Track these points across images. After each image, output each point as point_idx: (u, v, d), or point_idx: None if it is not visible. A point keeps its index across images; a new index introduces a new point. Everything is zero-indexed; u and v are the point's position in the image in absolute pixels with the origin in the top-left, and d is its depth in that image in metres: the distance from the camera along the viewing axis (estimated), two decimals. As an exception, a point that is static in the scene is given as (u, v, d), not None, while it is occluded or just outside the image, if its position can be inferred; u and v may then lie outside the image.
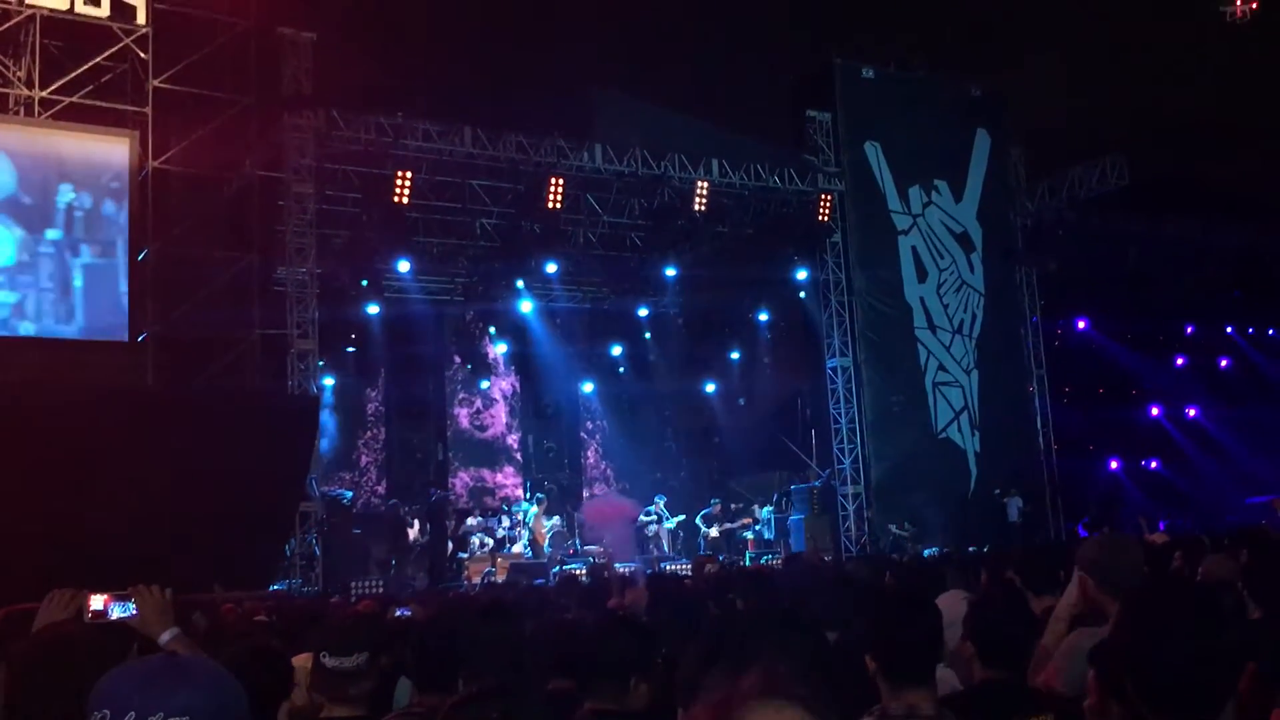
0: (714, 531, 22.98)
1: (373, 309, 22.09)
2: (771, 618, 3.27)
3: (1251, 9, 18.67)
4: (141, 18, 16.98)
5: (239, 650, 4.48)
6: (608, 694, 3.89)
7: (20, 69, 16.73)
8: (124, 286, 16.68)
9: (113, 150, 16.87)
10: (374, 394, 24.98)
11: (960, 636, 3.84)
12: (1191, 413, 29.99)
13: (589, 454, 28.20)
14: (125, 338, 16.63)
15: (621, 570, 14.46)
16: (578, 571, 17.76)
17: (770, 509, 23.94)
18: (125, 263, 16.70)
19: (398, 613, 9.10)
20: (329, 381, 22.43)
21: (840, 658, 4.03)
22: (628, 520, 21.15)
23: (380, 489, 24.52)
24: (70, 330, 16.50)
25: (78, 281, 16.51)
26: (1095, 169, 23.99)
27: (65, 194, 16.47)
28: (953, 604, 4.07)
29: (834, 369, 23.13)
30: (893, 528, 21.73)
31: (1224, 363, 30.50)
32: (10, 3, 16.22)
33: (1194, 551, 7.56)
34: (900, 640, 3.24)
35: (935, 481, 22.44)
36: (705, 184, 21.07)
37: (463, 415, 26.29)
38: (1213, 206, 25.75)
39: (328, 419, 22.09)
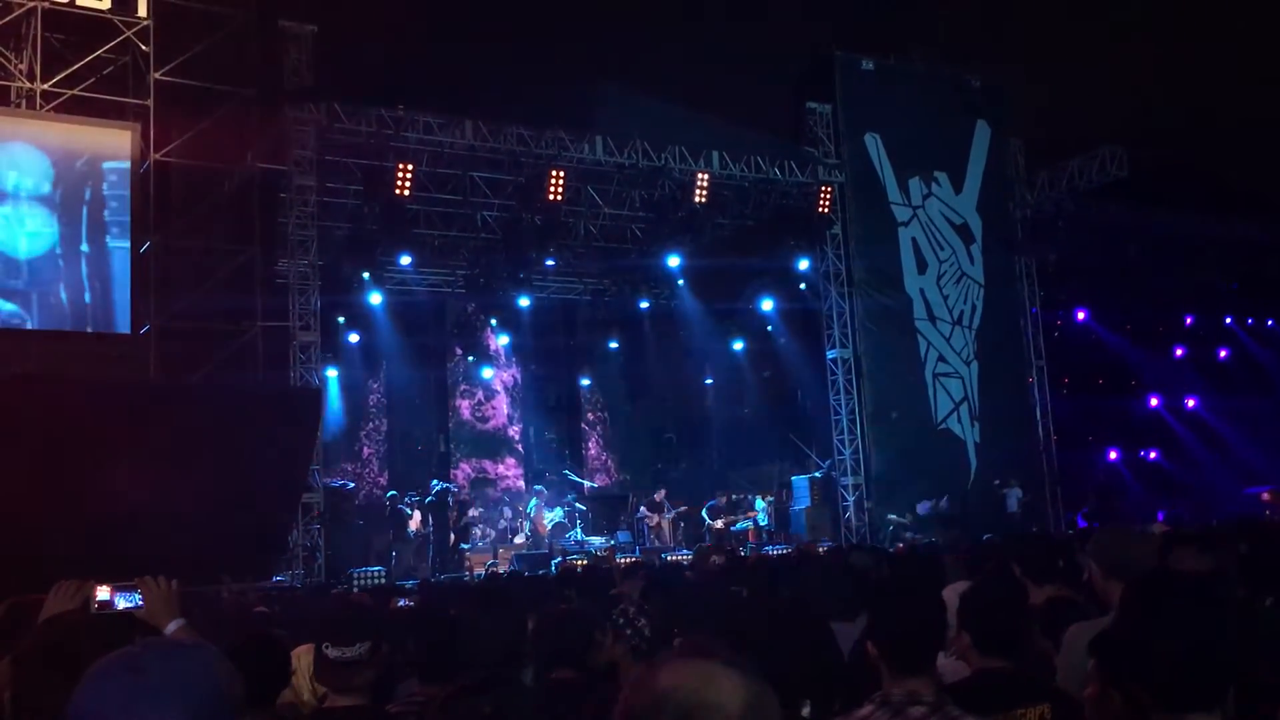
0: (719, 524, 23.07)
1: (374, 301, 22.12)
2: (774, 608, 3.31)
3: None
4: (143, 10, 16.99)
5: (238, 640, 4.53)
6: None
7: (22, 62, 16.74)
8: (127, 279, 16.71)
9: (115, 143, 16.88)
10: (376, 385, 25.05)
11: (956, 627, 3.87)
12: (1190, 403, 30.04)
13: (590, 445, 28.26)
14: (128, 330, 16.66)
15: (620, 561, 14.54)
16: (578, 562, 17.86)
17: (771, 499, 24.02)
18: (128, 255, 16.72)
19: (399, 603, 9.17)
20: (331, 373, 22.47)
21: (843, 648, 4.08)
22: None
23: (382, 480, 24.58)
24: (90, 322, 16.55)
25: (94, 272, 16.56)
26: (1095, 160, 23.98)
27: (78, 185, 16.49)
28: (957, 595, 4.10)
29: (834, 360, 23.16)
30: (894, 517, 21.78)
31: (1223, 354, 30.54)
32: (12, -4, 16.25)
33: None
34: (900, 627, 3.27)
35: (935, 472, 22.47)
36: (706, 176, 21.08)
37: (464, 406, 26.36)
38: (1212, 198, 25.76)
39: (330, 410, 22.12)
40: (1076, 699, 3.66)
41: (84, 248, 16.50)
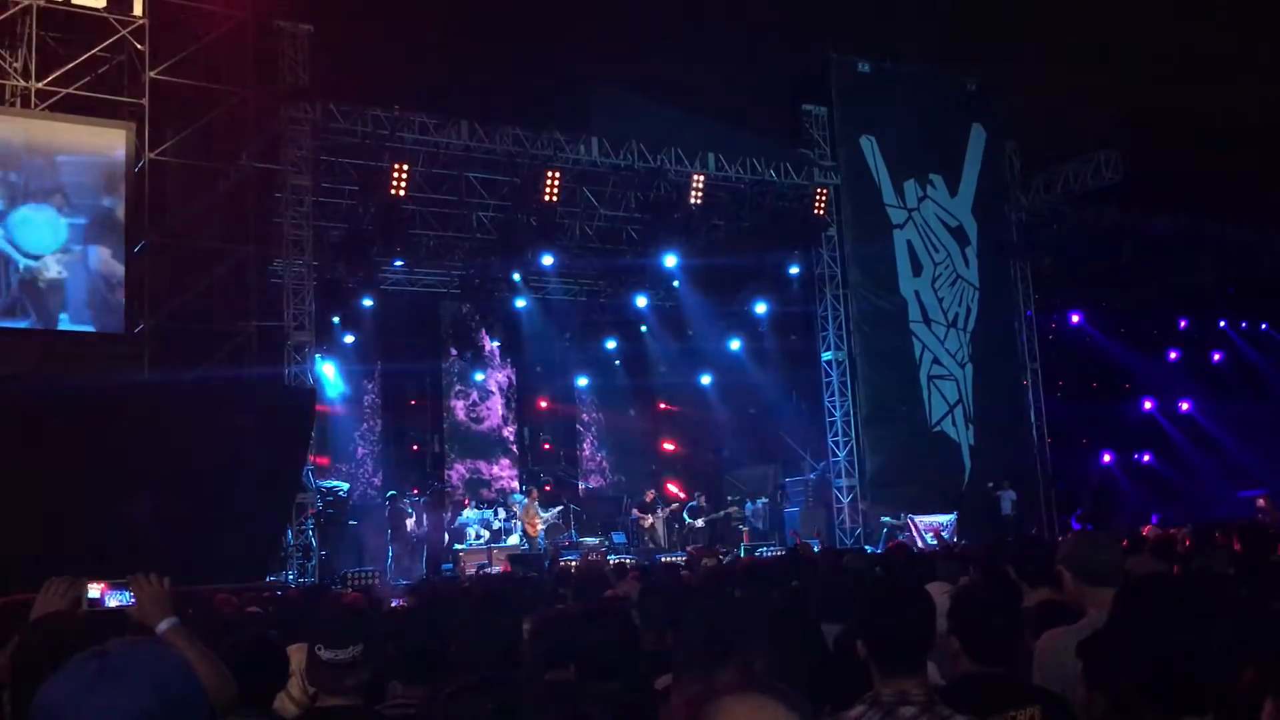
0: (699, 523, 23.12)
1: (369, 301, 22.11)
2: (768, 609, 3.31)
3: None
4: (138, 9, 16.96)
5: (237, 641, 4.52)
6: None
7: (17, 60, 16.71)
8: (121, 278, 16.68)
9: (110, 142, 16.85)
10: (370, 386, 25.03)
11: (944, 630, 3.87)
12: (1184, 406, 30.06)
13: (584, 446, 28.26)
14: (122, 329, 16.63)
15: (610, 562, 14.52)
16: (572, 563, 17.85)
17: (764, 500, 24.07)
18: (122, 254, 16.69)
19: (393, 604, 9.16)
20: (327, 370, 22.45)
21: (839, 646, 4.08)
22: None
23: (377, 480, 24.57)
24: (84, 321, 16.52)
25: (88, 271, 16.54)
26: (1090, 164, 24.01)
27: (73, 184, 16.47)
28: (935, 596, 4.10)
29: (829, 362, 23.18)
30: (888, 519, 21.77)
31: (1217, 357, 30.56)
32: (7, -6, 16.22)
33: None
34: (891, 627, 3.27)
35: (929, 474, 22.46)
36: (701, 177, 21.10)
37: (459, 407, 26.34)
38: (1206, 201, 25.78)
39: (323, 411, 22.11)
40: (1066, 701, 3.67)
41: (78, 247, 16.47)
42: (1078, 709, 3.47)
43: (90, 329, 16.60)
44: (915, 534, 20.84)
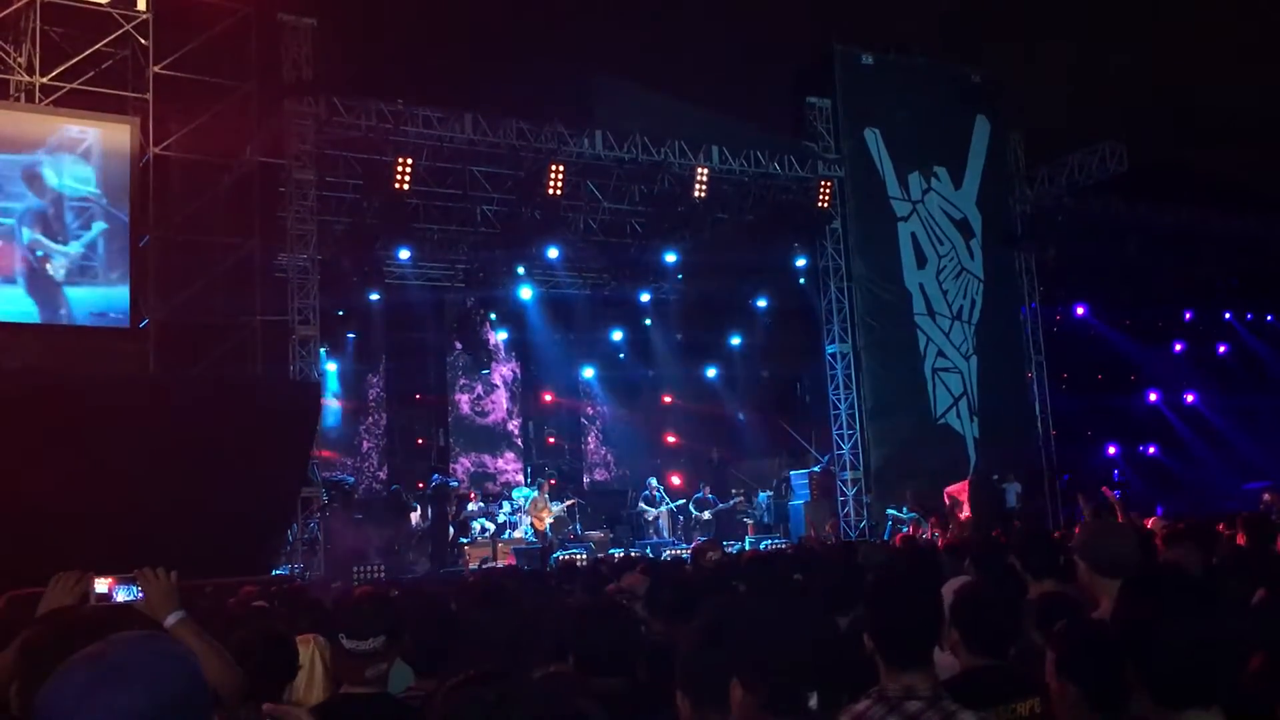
0: (705, 515, 23.13)
1: (374, 295, 22.12)
2: (776, 602, 3.31)
3: None
4: (142, 4, 16.93)
5: (247, 635, 4.53)
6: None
7: (21, 55, 16.71)
8: (126, 273, 16.68)
9: (115, 136, 16.84)
10: (375, 380, 25.06)
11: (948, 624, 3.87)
12: (1189, 399, 30.06)
13: (589, 439, 28.29)
14: (127, 324, 16.63)
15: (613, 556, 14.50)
16: (577, 557, 17.87)
17: (768, 493, 24.05)
18: (127, 249, 16.69)
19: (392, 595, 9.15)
20: (331, 367, 22.48)
21: (848, 639, 4.08)
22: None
23: (382, 474, 24.60)
24: (89, 316, 16.51)
25: (93, 265, 16.53)
26: (1094, 155, 23.98)
27: (77, 179, 16.46)
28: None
29: (833, 355, 23.15)
30: (892, 511, 21.77)
31: (1222, 349, 30.56)
32: (11, -12, 16.21)
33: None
34: (898, 622, 3.27)
35: (934, 467, 22.43)
36: (705, 170, 21.07)
37: (464, 401, 26.37)
38: (1212, 193, 25.75)
39: (329, 405, 22.13)
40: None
41: (83, 241, 16.46)
42: (1052, 699, 3.47)
43: (95, 323, 16.57)
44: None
